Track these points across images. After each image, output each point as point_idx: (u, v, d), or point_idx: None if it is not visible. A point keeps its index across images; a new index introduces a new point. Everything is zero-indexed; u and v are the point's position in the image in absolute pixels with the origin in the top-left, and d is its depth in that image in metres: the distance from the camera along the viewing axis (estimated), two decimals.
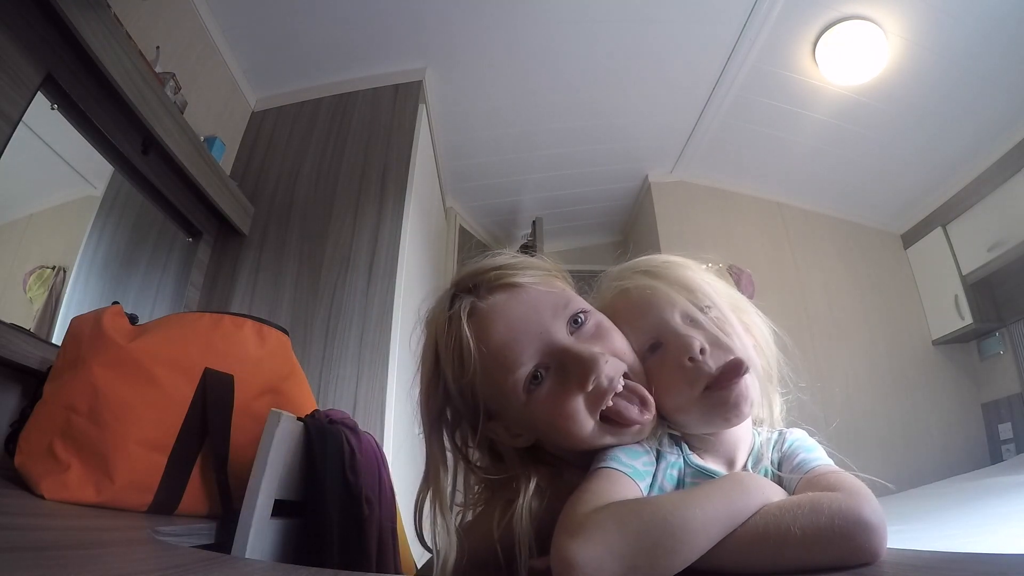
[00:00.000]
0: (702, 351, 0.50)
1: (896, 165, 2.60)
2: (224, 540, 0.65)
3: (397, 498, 0.88)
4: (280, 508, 0.66)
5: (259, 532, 0.62)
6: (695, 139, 2.63)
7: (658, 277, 0.56)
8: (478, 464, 0.57)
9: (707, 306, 0.54)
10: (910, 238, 2.90)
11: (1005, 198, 2.34)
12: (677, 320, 0.53)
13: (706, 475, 0.50)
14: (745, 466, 0.53)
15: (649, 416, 0.50)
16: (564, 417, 0.49)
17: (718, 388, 0.49)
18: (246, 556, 0.59)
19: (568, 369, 0.49)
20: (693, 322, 0.53)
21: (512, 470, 0.54)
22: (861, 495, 0.40)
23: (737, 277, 2.64)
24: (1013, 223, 2.28)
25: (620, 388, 0.50)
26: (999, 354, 2.55)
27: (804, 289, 2.73)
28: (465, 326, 0.51)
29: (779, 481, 0.49)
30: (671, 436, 0.53)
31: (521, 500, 0.49)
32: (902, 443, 2.48)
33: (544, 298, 0.52)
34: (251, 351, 0.80)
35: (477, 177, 2.82)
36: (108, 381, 0.69)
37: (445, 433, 0.56)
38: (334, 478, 0.72)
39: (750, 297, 2.88)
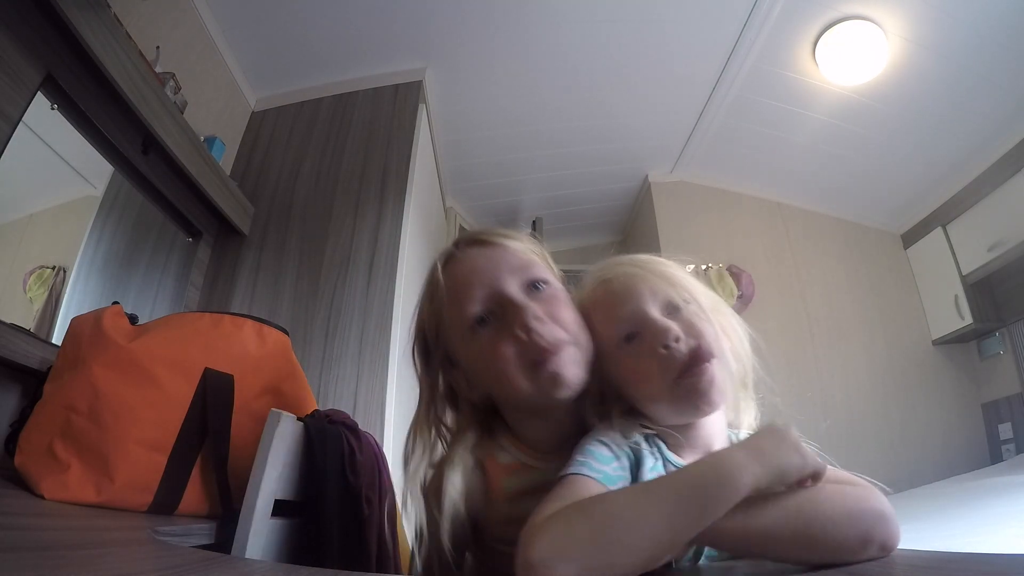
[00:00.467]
0: (677, 340, 0.51)
1: (896, 165, 2.60)
2: (224, 540, 0.65)
3: (397, 498, 0.88)
4: (280, 508, 0.66)
5: (259, 532, 0.62)
6: (695, 139, 2.63)
7: (641, 269, 0.57)
8: (444, 422, 0.62)
9: (687, 300, 0.55)
10: (910, 238, 2.90)
11: (1005, 198, 2.34)
12: (656, 310, 0.53)
13: None
14: None
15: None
16: (498, 359, 0.54)
17: (688, 376, 0.50)
18: (246, 556, 0.59)
19: (506, 316, 0.53)
20: (671, 313, 0.54)
21: (462, 423, 0.60)
22: (872, 488, 0.42)
23: (737, 277, 2.64)
24: (1013, 223, 2.28)
25: (550, 348, 0.53)
26: (999, 354, 2.55)
27: (804, 289, 2.73)
28: (439, 267, 0.60)
29: None
30: (647, 436, 0.53)
31: (457, 448, 0.56)
32: (902, 443, 2.48)
33: (509, 258, 0.59)
34: (251, 351, 0.80)
35: (477, 177, 2.82)
36: (108, 381, 0.69)
37: (426, 370, 0.63)
38: (334, 478, 0.72)
39: (750, 297, 2.87)
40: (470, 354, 0.57)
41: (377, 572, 0.72)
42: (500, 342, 0.54)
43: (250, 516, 0.61)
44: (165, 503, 0.70)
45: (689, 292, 0.55)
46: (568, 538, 0.36)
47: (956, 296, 2.55)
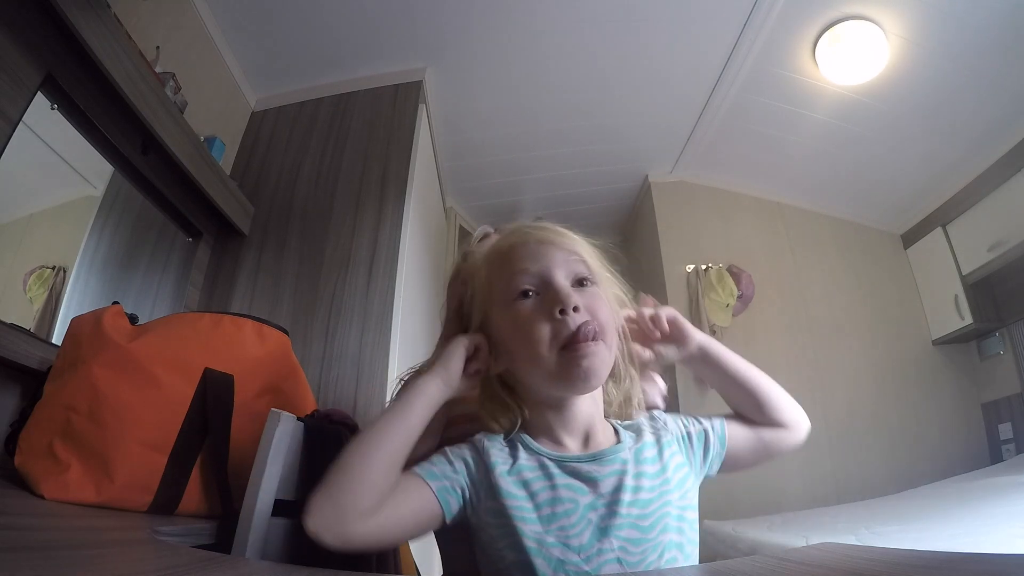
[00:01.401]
0: (576, 309, 0.52)
1: (896, 165, 2.59)
2: (224, 540, 0.65)
3: None
4: (280, 508, 0.66)
5: (259, 532, 0.62)
6: (695, 139, 2.63)
7: (559, 236, 0.59)
8: None
9: (592, 280, 0.57)
10: (910, 238, 2.90)
11: (1005, 198, 2.34)
12: (562, 276, 0.55)
13: (565, 461, 0.52)
14: (619, 441, 0.55)
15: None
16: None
17: (572, 349, 0.51)
18: (246, 556, 0.59)
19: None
20: (576, 286, 0.55)
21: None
22: None
23: (737, 277, 2.63)
24: (1013, 223, 2.27)
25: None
26: (999, 354, 2.55)
27: (804, 289, 2.73)
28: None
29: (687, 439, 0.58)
30: (510, 441, 0.55)
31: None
32: (902, 443, 2.47)
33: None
34: (251, 351, 0.80)
35: (477, 177, 2.82)
36: (108, 381, 0.69)
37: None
38: None
39: (750, 297, 2.87)
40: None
41: (377, 572, 0.72)
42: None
43: (250, 516, 0.61)
44: (165, 503, 0.70)
45: (594, 272, 0.58)
46: (316, 497, 0.47)
47: (956, 296, 2.55)
